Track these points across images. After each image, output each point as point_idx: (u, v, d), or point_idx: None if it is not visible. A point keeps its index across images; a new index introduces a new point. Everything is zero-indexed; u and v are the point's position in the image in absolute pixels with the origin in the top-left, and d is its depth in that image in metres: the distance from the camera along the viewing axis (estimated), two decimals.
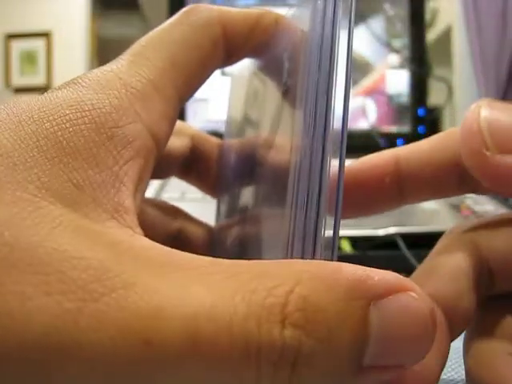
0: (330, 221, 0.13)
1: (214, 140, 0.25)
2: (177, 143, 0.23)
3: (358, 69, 0.70)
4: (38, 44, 2.96)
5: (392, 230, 0.39)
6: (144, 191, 0.16)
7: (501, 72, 2.56)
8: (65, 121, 0.13)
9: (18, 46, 2.97)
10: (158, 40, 0.17)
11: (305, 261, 0.12)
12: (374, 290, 0.11)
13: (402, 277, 0.11)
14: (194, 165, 0.24)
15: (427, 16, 0.77)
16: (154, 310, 0.10)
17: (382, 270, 0.11)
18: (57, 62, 2.96)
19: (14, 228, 0.11)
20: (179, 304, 0.10)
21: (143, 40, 0.17)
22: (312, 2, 0.14)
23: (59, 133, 0.13)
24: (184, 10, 0.18)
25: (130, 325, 0.10)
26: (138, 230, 0.13)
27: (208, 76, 0.18)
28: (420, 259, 0.32)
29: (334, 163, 0.13)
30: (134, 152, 0.14)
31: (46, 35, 2.96)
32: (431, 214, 0.46)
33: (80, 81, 0.15)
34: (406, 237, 0.36)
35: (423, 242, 0.40)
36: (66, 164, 0.13)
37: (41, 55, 2.97)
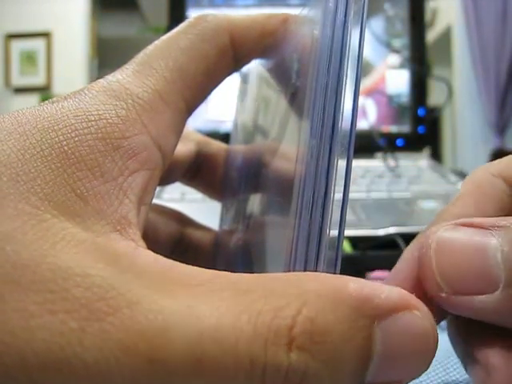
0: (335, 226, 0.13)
1: (220, 145, 0.25)
2: (182, 149, 0.23)
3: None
4: (38, 44, 2.96)
5: (392, 230, 0.39)
6: (149, 203, 0.15)
7: (501, 72, 2.56)
8: (70, 130, 0.13)
9: (17, 46, 2.97)
10: (165, 49, 0.16)
11: (311, 276, 0.12)
12: (378, 308, 0.11)
13: (406, 293, 0.12)
14: (200, 170, 0.24)
15: (427, 16, 0.77)
16: (158, 330, 0.10)
17: (387, 287, 0.11)
18: (57, 62, 2.96)
19: (15, 243, 0.11)
20: (184, 324, 0.10)
21: (149, 49, 0.16)
22: (323, 2, 0.14)
23: (64, 142, 0.13)
24: (191, 19, 0.17)
25: (135, 344, 0.10)
26: (141, 243, 0.13)
27: (216, 85, 0.18)
28: None
29: (341, 163, 0.13)
30: (139, 164, 0.14)
31: (46, 35, 2.96)
32: (431, 214, 0.46)
33: (86, 91, 0.15)
34: (406, 237, 0.36)
35: None
36: (71, 174, 0.12)
37: (41, 55, 2.97)
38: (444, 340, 0.22)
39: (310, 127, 0.13)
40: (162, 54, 0.16)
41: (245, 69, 0.19)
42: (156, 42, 0.17)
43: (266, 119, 0.19)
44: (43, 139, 0.13)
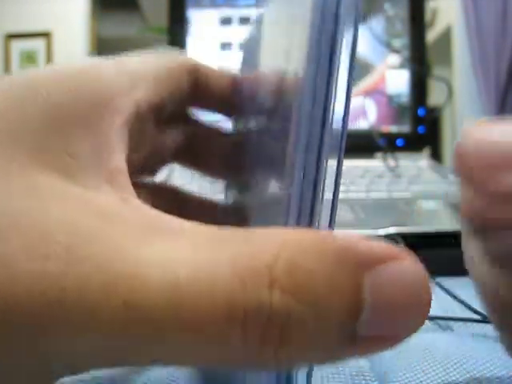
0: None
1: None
2: (173, 128, 0.22)
3: (357, 69, 0.70)
4: (38, 44, 2.96)
5: (392, 230, 0.39)
6: (141, 153, 0.17)
7: (501, 72, 2.56)
8: (61, 87, 0.14)
9: (17, 46, 2.97)
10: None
11: (292, 229, 0.12)
12: (366, 255, 0.11)
13: (393, 246, 0.11)
14: (194, 149, 0.23)
15: (427, 16, 0.77)
16: (136, 274, 0.10)
17: (372, 240, 0.11)
18: (57, 62, 2.95)
19: (2, 194, 0.11)
20: (161, 267, 0.10)
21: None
22: None
23: (54, 96, 0.13)
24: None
25: (113, 286, 0.10)
26: (131, 189, 0.13)
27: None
28: (420, 259, 0.32)
29: (331, 164, 0.12)
30: (127, 116, 0.15)
31: (46, 35, 2.95)
32: (431, 213, 0.46)
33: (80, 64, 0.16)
34: (406, 237, 0.36)
35: (423, 242, 0.40)
36: (60, 129, 0.13)
37: (41, 55, 2.96)
38: (444, 340, 0.22)
39: (298, 121, 0.12)
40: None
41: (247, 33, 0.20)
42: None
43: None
44: (34, 96, 0.13)
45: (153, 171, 0.22)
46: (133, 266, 0.10)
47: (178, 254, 0.11)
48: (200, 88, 0.20)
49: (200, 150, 0.23)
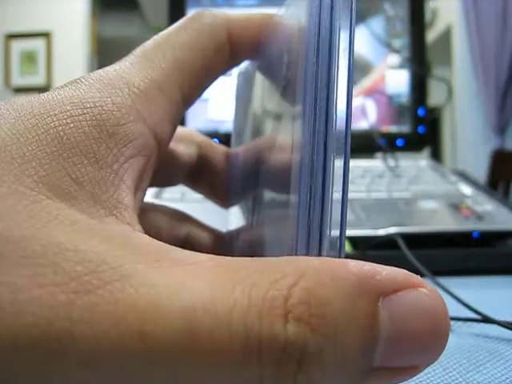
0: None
1: (222, 148, 0.24)
2: (184, 150, 0.22)
3: (357, 69, 0.70)
4: (38, 44, 2.96)
5: (392, 230, 0.39)
6: (145, 190, 0.15)
7: (501, 72, 2.56)
8: (66, 116, 0.13)
9: (17, 46, 2.97)
10: (163, 43, 0.17)
11: (309, 257, 0.12)
12: (382, 285, 0.10)
13: (411, 273, 0.11)
14: (202, 173, 0.24)
15: (427, 16, 0.77)
16: (150, 303, 0.10)
17: (389, 267, 0.11)
18: (57, 62, 2.96)
19: (8, 221, 0.11)
20: (177, 297, 0.10)
21: (147, 43, 0.17)
22: None
23: (60, 128, 0.13)
24: (189, 15, 0.18)
25: (125, 318, 0.10)
26: (138, 227, 0.13)
27: (213, 80, 0.18)
28: (420, 259, 0.32)
29: (338, 164, 0.12)
30: (134, 150, 0.14)
31: (46, 35, 2.95)
32: (431, 213, 0.46)
33: (83, 80, 0.15)
34: (406, 237, 0.36)
35: (423, 242, 0.40)
36: (66, 159, 0.12)
37: (41, 55, 2.96)
38: None
39: (302, 123, 0.12)
40: (159, 47, 0.16)
41: (242, 67, 0.19)
42: (154, 37, 0.17)
43: (263, 114, 0.19)
44: (38, 124, 0.13)
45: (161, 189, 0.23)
46: (145, 294, 0.10)
47: (194, 283, 0.10)
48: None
49: (208, 173, 0.24)
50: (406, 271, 0.11)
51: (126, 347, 0.10)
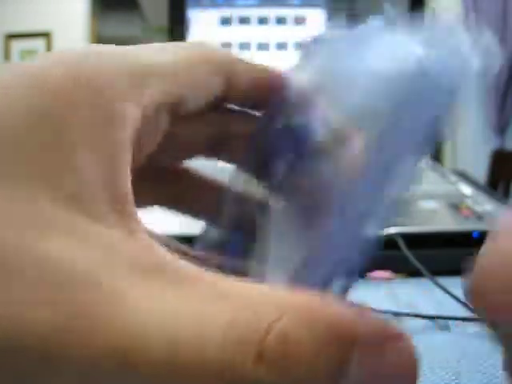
0: None
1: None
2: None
3: None
4: (38, 44, 2.96)
5: (392, 230, 0.39)
6: (150, 149, 0.15)
7: (501, 72, 2.56)
8: (63, 99, 0.12)
9: (18, 46, 2.97)
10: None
11: (293, 292, 0.12)
12: (357, 334, 0.10)
13: (390, 323, 0.11)
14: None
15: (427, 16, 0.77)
16: (136, 330, 0.10)
17: (371, 314, 0.11)
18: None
19: (2, 229, 0.10)
20: (161, 319, 0.10)
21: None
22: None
23: (56, 110, 0.12)
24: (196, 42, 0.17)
25: (114, 343, 0.10)
26: (137, 218, 0.13)
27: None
28: (420, 259, 0.32)
29: None
30: (132, 125, 0.13)
31: (46, 35, 2.95)
32: (431, 213, 0.46)
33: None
34: (406, 237, 0.36)
35: (423, 242, 0.40)
36: (66, 150, 0.12)
37: None
38: (442, 339, 0.22)
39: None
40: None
41: None
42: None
43: None
44: (32, 105, 0.12)
45: (177, 162, 0.21)
46: (132, 322, 0.10)
47: (179, 306, 0.11)
48: (234, 86, 0.19)
49: (232, 142, 0.21)
50: (386, 321, 0.11)
51: (112, 375, 0.10)
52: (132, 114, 0.14)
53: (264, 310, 0.11)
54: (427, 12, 0.74)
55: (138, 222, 0.13)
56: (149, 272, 0.11)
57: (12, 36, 2.96)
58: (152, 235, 0.13)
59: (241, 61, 0.18)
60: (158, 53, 0.16)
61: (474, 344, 0.23)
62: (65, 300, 0.10)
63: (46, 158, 0.12)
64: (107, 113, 0.13)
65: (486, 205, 0.47)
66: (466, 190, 0.52)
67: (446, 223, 0.44)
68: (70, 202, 0.11)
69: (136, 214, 0.13)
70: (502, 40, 2.52)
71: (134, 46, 0.16)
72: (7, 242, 0.10)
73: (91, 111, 0.13)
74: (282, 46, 0.90)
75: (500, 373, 0.20)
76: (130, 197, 0.13)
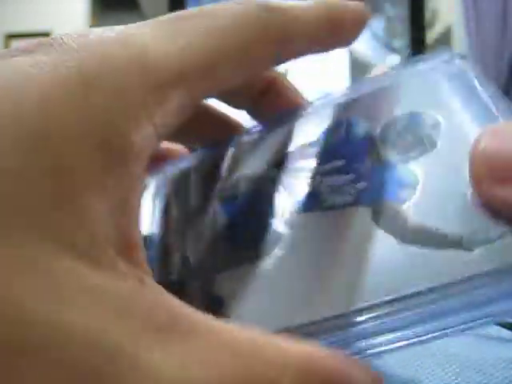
0: None
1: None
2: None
3: (358, 69, 0.70)
4: None
5: None
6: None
7: (501, 72, 2.56)
8: (64, 134, 0.11)
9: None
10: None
11: (301, 346, 0.12)
12: None
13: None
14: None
15: (427, 16, 0.77)
16: None
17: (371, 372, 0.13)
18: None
19: (17, 296, 0.10)
20: (172, 378, 0.11)
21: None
22: None
23: (56, 150, 0.11)
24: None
25: None
26: (146, 265, 0.12)
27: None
28: None
29: None
30: (145, 157, 0.13)
31: (46, 35, 2.95)
32: None
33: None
34: None
35: None
36: (70, 197, 0.11)
37: None
38: (442, 339, 0.22)
39: None
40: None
41: None
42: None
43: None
44: (34, 149, 0.11)
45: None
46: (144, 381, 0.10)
47: (189, 359, 0.11)
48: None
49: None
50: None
51: None
52: (146, 140, 0.12)
53: (268, 369, 0.12)
54: (427, 12, 0.74)
55: (145, 268, 0.12)
56: (158, 326, 0.11)
57: (12, 36, 2.97)
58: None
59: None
60: (200, 40, 0.14)
61: (474, 344, 0.23)
62: (83, 373, 0.10)
63: (49, 207, 0.10)
64: (117, 147, 0.12)
65: None
66: None
67: None
68: (77, 255, 0.11)
69: (144, 259, 0.12)
70: (502, 40, 2.52)
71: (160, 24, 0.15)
72: (23, 311, 0.10)
73: (99, 149, 0.11)
74: None
75: (500, 373, 0.20)
76: (139, 243, 0.12)
